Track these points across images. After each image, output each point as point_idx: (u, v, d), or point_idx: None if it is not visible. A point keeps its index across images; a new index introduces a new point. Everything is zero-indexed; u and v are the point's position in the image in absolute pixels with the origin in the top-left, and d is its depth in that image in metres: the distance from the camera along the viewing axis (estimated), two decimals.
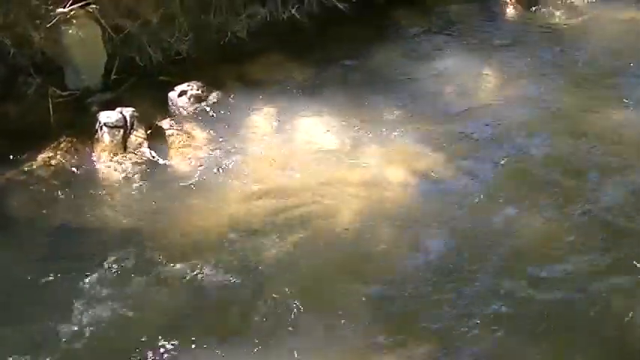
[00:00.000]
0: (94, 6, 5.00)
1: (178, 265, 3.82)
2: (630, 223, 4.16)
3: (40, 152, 4.53)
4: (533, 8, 6.37)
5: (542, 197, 4.32)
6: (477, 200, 4.32)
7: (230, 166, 4.50)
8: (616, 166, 4.58)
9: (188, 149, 4.65)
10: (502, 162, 4.62)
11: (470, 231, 4.11)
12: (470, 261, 3.90)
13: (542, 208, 4.24)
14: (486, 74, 5.47)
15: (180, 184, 4.39)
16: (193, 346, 3.44)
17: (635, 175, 4.51)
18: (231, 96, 5.07)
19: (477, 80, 5.41)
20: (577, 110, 5.12)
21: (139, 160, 4.52)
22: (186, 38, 5.41)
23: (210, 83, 5.11)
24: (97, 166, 4.50)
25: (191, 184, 4.38)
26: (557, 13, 6.37)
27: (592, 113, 5.09)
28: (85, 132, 4.68)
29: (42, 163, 4.48)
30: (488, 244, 4.01)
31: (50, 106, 4.84)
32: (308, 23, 5.86)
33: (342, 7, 5.94)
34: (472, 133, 4.86)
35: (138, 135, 4.66)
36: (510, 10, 6.36)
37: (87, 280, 3.72)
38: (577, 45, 5.91)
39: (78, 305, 3.61)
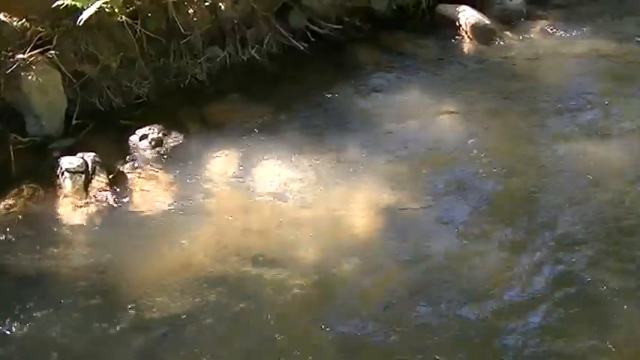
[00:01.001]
0: (53, 52, 5.13)
1: (138, 310, 3.88)
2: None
3: (1, 199, 4.59)
4: (490, 42, 6.54)
5: (509, 232, 4.45)
6: (442, 237, 4.43)
7: (192, 210, 4.60)
8: (580, 197, 4.74)
9: (150, 193, 4.74)
10: (465, 197, 4.76)
11: (436, 268, 4.21)
12: (434, 300, 4.00)
13: (509, 243, 4.36)
14: (445, 109, 5.63)
15: (143, 228, 4.47)
16: None
17: (595, 205, 4.68)
18: (192, 139, 5.18)
19: (436, 116, 5.56)
20: (537, 143, 5.30)
21: (101, 205, 4.60)
22: (146, 82, 5.55)
23: (171, 126, 5.22)
24: (60, 211, 4.57)
25: (153, 228, 4.47)
26: (514, 47, 6.55)
27: (552, 145, 5.26)
28: (47, 178, 4.76)
29: (3, 209, 4.54)
30: (452, 280, 4.11)
31: (11, 152, 4.92)
32: (267, 64, 6.01)
33: (300, 46, 6.13)
34: (434, 169, 5.01)
35: (100, 180, 4.75)
36: (467, 45, 6.54)
37: (47, 327, 3.78)
38: (534, 78, 6.10)
39: (38, 351, 3.68)
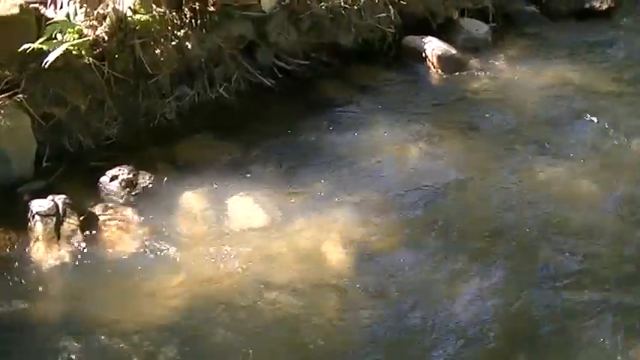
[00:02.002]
0: (21, 95, 5.24)
1: (110, 355, 4.01)
2: None
3: None
4: (456, 73, 6.74)
5: (483, 266, 4.63)
6: (415, 271, 4.60)
7: (163, 251, 4.72)
8: (551, 227, 4.95)
9: (121, 234, 4.86)
10: (438, 230, 4.93)
11: (408, 304, 4.37)
12: (407, 339, 4.16)
13: (483, 278, 4.53)
14: (413, 142, 5.81)
15: (114, 270, 4.58)
16: None
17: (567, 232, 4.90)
18: (163, 178, 5.29)
19: (405, 149, 5.74)
20: (507, 173, 5.51)
21: (73, 248, 4.70)
22: (116, 122, 5.68)
23: (142, 166, 5.32)
24: (30, 255, 4.65)
25: (124, 270, 4.58)
26: (481, 77, 6.76)
27: (522, 175, 5.48)
28: (17, 221, 4.84)
29: None
30: (426, 317, 4.27)
31: None
32: (236, 101, 6.16)
33: (268, 83, 6.30)
34: (404, 203, 5.19)
35: (71, 222, 4.85)
36: (434, 76, 6.73)
37: None
38: (501, 108, 6.30)
39: None
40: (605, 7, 7.95)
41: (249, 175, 5.36)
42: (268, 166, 5.47)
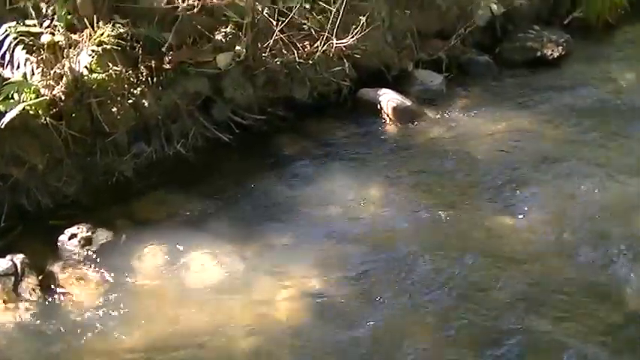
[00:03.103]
0: None
1: None
2: None
3: None
4: (411, 124, 6.97)
5: (442, 319, 4.81)
6: (370, 323, 4.78)
7: (122, 309, 4.87)
8: (505, 278, 5.13)
9: (80, 293, 5.03)
10: (394, 280, 5.13)
11: (367, 355, 4.57)
12: None
13: (442, 330, 4.73)
14: (369, 194, 6.03)
15: (73, 329, 4.73)
16: None
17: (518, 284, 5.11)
18: (122, 236, 5.46)
19: (362, 201, 5.95)
20: (461, 222, 5.70)
21: (32, 307, 4.85)
22: (74, 181, 5.84)
23: (100, 224, 5.49)
24: None
25: (83, 329, 4.73)
26: (436, 127, 7.00)
27: (477, 225, 5.68)
28: None
29: None
30: None
31: None
32: (194, 157, 6.34)
33: (225, 138, 6.50)
34: (361, 254, 5.38)
35: (29, 282, 5.00)
36: (389, 127, 6.96)
37: None
38: (457, 158, 6.53)
39: None
40: (556, 55, 8.30)
41: (206, 231, 5.55)
42: (226, 221, 5.66)
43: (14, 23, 6.12)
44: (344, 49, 7.05)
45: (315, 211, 5.82)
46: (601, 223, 5.64)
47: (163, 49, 6.33)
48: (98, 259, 5.29)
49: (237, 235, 5.53)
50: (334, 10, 7.04)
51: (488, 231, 5.63)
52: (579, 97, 7.57)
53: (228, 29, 6.64)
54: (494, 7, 8.29)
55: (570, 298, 4.99)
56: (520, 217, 5.76)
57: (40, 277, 5.09)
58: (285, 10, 6.98)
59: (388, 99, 7.11)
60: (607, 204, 5.86)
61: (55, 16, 6.16)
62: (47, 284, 5.07)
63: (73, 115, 5.87)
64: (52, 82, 5.86)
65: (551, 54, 8.32)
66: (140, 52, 6.25)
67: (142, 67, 6.24)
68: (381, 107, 7.09)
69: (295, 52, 6.83)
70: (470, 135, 6.91)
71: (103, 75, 6.05)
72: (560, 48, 8.36)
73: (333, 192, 6.04)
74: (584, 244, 5.46)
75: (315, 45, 6.94)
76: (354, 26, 7.07)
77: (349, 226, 5.67)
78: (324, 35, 6.97)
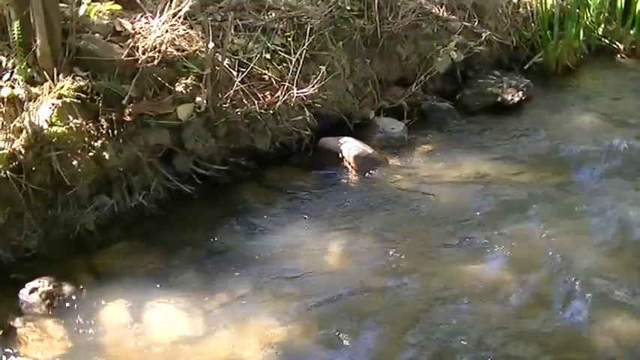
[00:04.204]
0: None
1: None
2: None
3: None
4: (373, 172, 7.17)
5: None
6: None
7: None
8: (472, 322, 5.36)
9: (41, 348, 5.13)
10: (358, 331, 5.30)
11: None
12: None
13: None
14: (332, 243, 6.22)
15: None
16: None
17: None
18: (83, 289, 5.59)
19: (324, 250, 6.14)
20: (428, 272, 5.89)
21: None
22: (35, 235, 5.96)
23: (62, 278, 5.61)
24: None
25: None
26: (398, 174, 7.20)
27: (442, 270, 5.90)
28: None
29: None
30: None
31: None
32: (155, 209, 6.48)
33: (187, 189, 6.65)
34: (323, 305, 5.55)
35: None
36: (351, 176, 7.16)
37: None
38: (419, 205, 6.74)
39: None
40: (516, 100, 8.57)
41: (169, 283, 5.70)
42: (188, 274, 5.81)
43: None
44: (305, 98, 7.26)
45: (277, 263, 5.98)
46: (563, 268, 5.87)
47: (124, 102, 6.48)
48: (60, 314, 5.40)
49: (199, 287, 5.67)
50: (294, 59, 7.31)
51: (452, 278, 5.82)
52: (539, 142, 7.86)
53: (188, 81, 6.82)
54: (454, 54, 8.57)
55: (537, 343, 5.21)
56: (484, 263, 5.97)
57: (0, 332, 5.19)
58: (245, 60, 7.22)
59: (349, 147, 7.30)
60: (568, 248, 6.09)
61: (15, 70, 6.33)
62: (7, 340, 5.16)
63: (33, 168, 5.98)
64: (11, 136, 5.96)
65: (512, 99, 8.59)
66: (100, 104, 6.39)
67: (103, 120, 6.36)
68: (342, 156, 7.28)
69: (256, 102, 7.01)
70: (432, 181, 7.13)
71: (64, 128, 6.16)
72: (520, 93, 8.63)
73: (295, 243, 6.20)
74: (549, 290, 5.71)
75: (276, 95, 7.13)
76: (314, 75, 7.34)
77: (312, 278, 5.82)
78: (284, 85, 7.20)
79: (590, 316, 5.43)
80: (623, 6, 9.88)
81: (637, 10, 9.88)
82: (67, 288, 5.58)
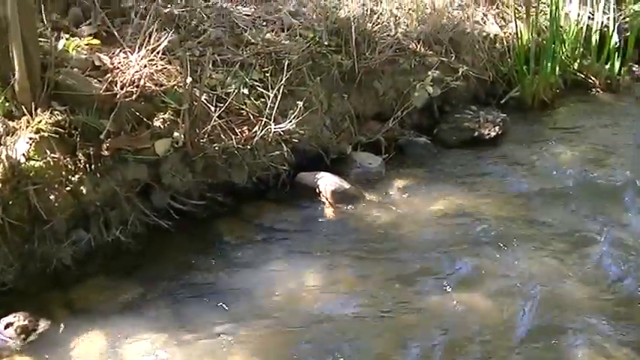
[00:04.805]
0: None
1: None
2: None
3: None
4: (350, 207, 7.30)
5: None
6: None
7: None
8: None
9: None
10: None
11: None
12: None
13: None
14: (310, 277, 6.32)
15: None
16: None
17: None
18: (60, 324, 5.66)
19: (302, 285, 6.23)
20: (405, 307, 5.97)
21: None
22: (12, 269, 6.01)
23: (38, 312, 5.68)
24: None
25: None
26: (375, 209, 7.33)
27: (418, 304, 5.98)
28: None
29: None
30: None
31: None
32: (133, 244, 6.55)
33: (164, 224, 6.72)
34: (302, 338, 5.62)
35: None
36: (328, 211, 7.28)
37: None
38: (397, 239, 6.85)
39: None
40: (493, 134, 8.79)
41: (146, 318, 5.76)
42: (165, 308, 5.88)
43: None
44: (282, 133, 7.39)
45: (254, 298, 6.06)
46: (540, 302, 5.97)
47: (102, 136, 6.56)
48: (36, 348, 5.45)
49: (176, 322, 5.74)
50: (272, 94, 7.43)
51: (429, 310, 5.93)
52: (515, 177, 8.05)
53: (166, 115, 6.93)
54: (431, 89, 8.76)
55: None
56: (461, 296, 6.06)
57: None
58: (223, 95, 7.34)
59: (326, 182, 7.43)
60: (545, 280, 6.24)
61: None
62: None
63: (11, 202, 6.04)
64: None
65: (488, 134, 8.80)
66: (78, 139, 6.48)
67: (80, 154, 6.44)
68: (319, 191, 7.41)
69: (234, 137, 7.12)
70: (409, 216, 7.25)
71: (41, 162, 6.23)
72: (497, 128, 8.84)
73: (272, 278, 6.28)
74: (526, 322, 5.80)
75: (254, 130, 7.25)
76: (292, 110, 7.47)
77: (288, 315, 5.89)
78: (262, 120, 7.33)
79: (563, 348, 5.55)
80: (597, 41, 10.19)
81: (611, 45, 10.20)
82: (42, 323, 5.64)
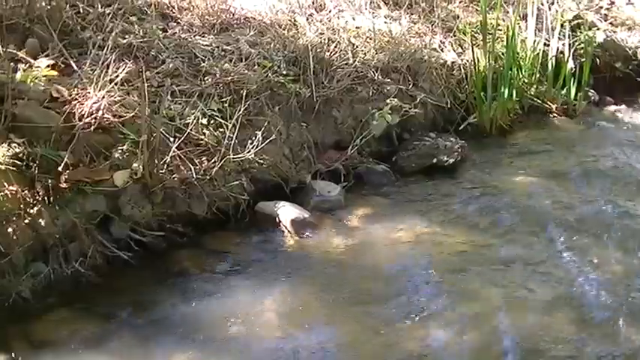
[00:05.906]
0: None
1: None
2: None
3: None
4: (310, 235, 7.43)
5: None
6: None
7: None
8: None
9: None
10: None
11: None
12: None
13: None
14: (270, 308, 6.42)
15: None
16: None
17: None
18: (18, 358, 5.71)
19: (261, 315, 6.32)
20: (364, 338, 6.08)
21: None
22: None
23: None
24: None
25: None
26: (335, 238, 7.45)
27: (380, 333, 6.09)
28: None
29: None
30: None
31: None
32: (93, 276, 6.61)
33: (124, 256, 6.81)
34: None
35: None
36: (287, 240, 7.39)
37: None
38: (357, 267, 6.98)
39: None
40: (451, 161, 8.94)
41: (106, 351, 5.81)
42: (126, 341, 5.94)
43: None
44: (241, 163, 7.53)
45: (216, 329, 6.12)
46: (505, 329, 6.14)
47: (60, 168, 6.65)
48: None
49: (137, 354, 5.82)
50: (231, 124, 7.59)
51: (390, 339, 6.04)
52: (474, 203, 8.19)
53: (125, 147, 7.04)
54: (390, 116, 8.92)
55: None
56: (421, 324, 6.18)
57: None
58: (182, 126, 7.48)
59: (286, 211, 7.56)
60: (507, 307, 6.39)
61: None
62: None
63: None
64: None
65: (447, 160, 8.95)
66: (36, 171, 6.57)
67: (39, 187, 6.51)
68: (279, 220, 7.52)
69: (193, 167, 7.23)
70: (369, 244, 7.38)
71: None
72: (455, 154, 9.00)
73: (233, 309, 6.36)
74: (489, 349, 5.96)
75: (213, 160, 7.38)
76: (250, 140, 7.62)
77: (250, 344, 5.99)
78: (221, 150, 7.45)
79: None
80: (553, 67, 10.45)
81: (567, 71, 10.48)
82: (2, 357, 5.68)
